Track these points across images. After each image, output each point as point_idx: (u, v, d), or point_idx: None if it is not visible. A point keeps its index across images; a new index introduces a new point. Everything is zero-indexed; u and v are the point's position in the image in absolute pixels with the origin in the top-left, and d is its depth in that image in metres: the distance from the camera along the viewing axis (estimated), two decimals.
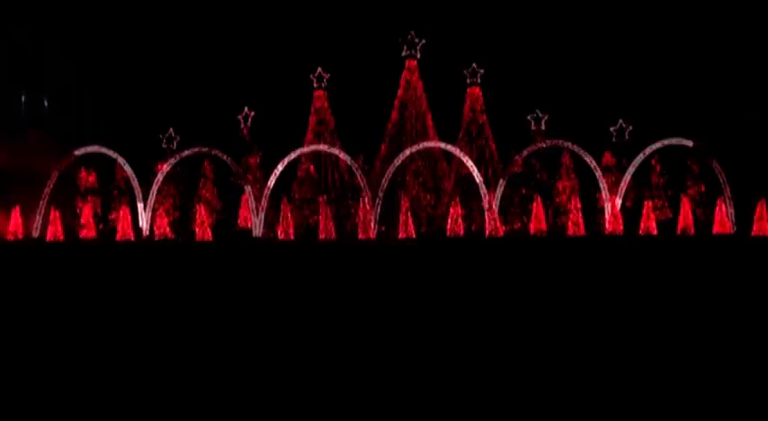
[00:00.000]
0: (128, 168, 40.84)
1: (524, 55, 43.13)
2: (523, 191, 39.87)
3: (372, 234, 37.05)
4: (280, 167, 40.22)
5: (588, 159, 38.91)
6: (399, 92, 42.01)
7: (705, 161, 38.71)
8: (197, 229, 38.91)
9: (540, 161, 40.68)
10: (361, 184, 38.80)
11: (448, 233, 37.68)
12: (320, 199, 38.46)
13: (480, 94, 41.67)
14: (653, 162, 39.92)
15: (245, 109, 41.61)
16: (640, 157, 39.30)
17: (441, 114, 41.91)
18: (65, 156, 40.91)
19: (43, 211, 39.48)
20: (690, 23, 42.99)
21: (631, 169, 39.47)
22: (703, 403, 7.28)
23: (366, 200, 37.94)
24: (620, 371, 8.54)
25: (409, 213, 36.87)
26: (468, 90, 41.85)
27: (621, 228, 37.89)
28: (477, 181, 38.79)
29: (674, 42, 43.29)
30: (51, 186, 40.05)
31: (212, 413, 7.18)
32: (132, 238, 38.58)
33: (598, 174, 39.02)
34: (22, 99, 43.27)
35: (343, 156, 39.79)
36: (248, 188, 39.65)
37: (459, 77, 41.72)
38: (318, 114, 42.08)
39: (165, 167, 40.88)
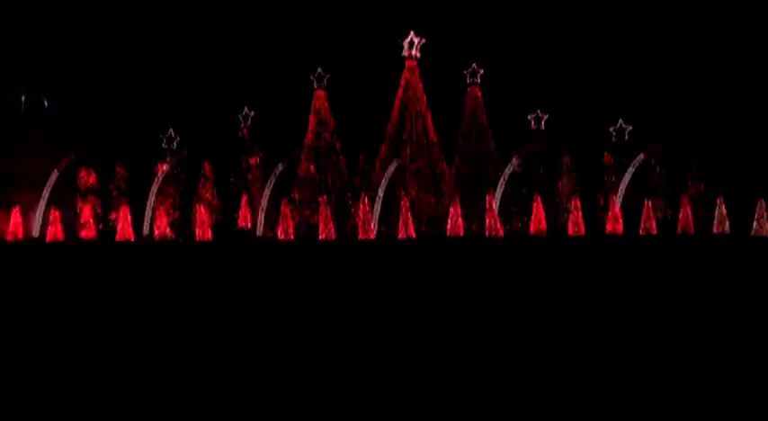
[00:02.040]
0: (128, 168, 40.88)
1: (524, 55, 43.03)
2: (524, 191, 39.84)
3: (372, 234, 37.01)
4: (280, 167, 40.25)
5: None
6: (399, 92, 41.90)
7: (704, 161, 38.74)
8: (197, 229, 38.86)
9: (539, 161, 40.65)
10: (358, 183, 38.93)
11: (448, 233, 37.64)
12: (320, 199, 38.41)
13: (480, 94, 41.61)
14: (653, 162, 39.91)
15: (245, 109, 41.60)
16: (640, 158, 39.36)
17: (441, 114, 41.83)
18: (65, 156, 40.90)
19: (43, 211, 39.42)
20: (690, 24, 42.92)
21: (631, 169, 39.49)
22: (703, 402, 7.27)
23: (366, 200, 37.91)
24: (620, 370, 8.53)
25: (409, 213, 36.84)
26: (468, 90, 41.78)
27: (621, 227, 37.88)
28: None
29: (674, 42, 43.22)
30: (51, 186, 40.02)
31: (212, 412, 7.17)
32: (132, 238, 38.57)
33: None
34: (22, 99, 43.20)
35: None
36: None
37: (459, 77, 41.65)
38: (318, 114, 42.00)
39: (166, 167, 40.89)
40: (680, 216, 37.43)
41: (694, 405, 7.20)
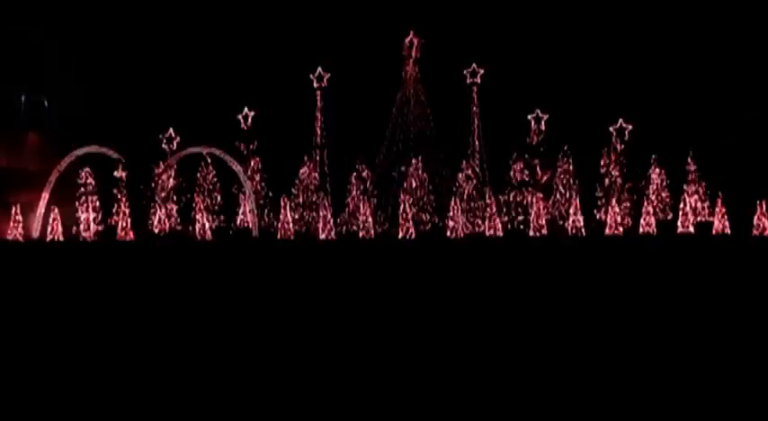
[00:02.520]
0: (127, 168, 40.89)
1: (524, 55, 42.99)
2: (524, 191, 39.82)
3: (372, 234, 37.01)
4: (279, 167, 40.32)
5: None
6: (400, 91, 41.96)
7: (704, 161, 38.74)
8: (196, 229, 38.83)
9: (539, 161, 40.64)
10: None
11: (448, 233, 37.63)
12: (320, 199, 38.41)
13: (480, 93, 41.60)
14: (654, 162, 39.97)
15: (246, 109, 41.61)
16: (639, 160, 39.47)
17: (440, 114, 41.82)
18: (65, 156, 40.87)
19: (43, 211, 39.43)
20: (690, 23, 42.87)
21: (631, 170, 39.52)
22: (703, 402, 7.27)
23: (366, 200, 37.89)
24: (620, 369, 8.53)
25: (409, 213, 36.82)
26: (469, 90, 41.76)
27: (622, 227, 37.87)
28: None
29: (674, 42, 43.16)
30: (51, 186, 40.02)
31: (212, 412, 7.17)
32: (132, 238, 38.56)
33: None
34: (22, 99, 43.18)
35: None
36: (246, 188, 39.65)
37: (459, 77, 41.64)
38: (320, 114, 42.06)
39: (165, 167, 40.87)
40: (680, 216, 37.42)
41: (695, 404, 7.20)
